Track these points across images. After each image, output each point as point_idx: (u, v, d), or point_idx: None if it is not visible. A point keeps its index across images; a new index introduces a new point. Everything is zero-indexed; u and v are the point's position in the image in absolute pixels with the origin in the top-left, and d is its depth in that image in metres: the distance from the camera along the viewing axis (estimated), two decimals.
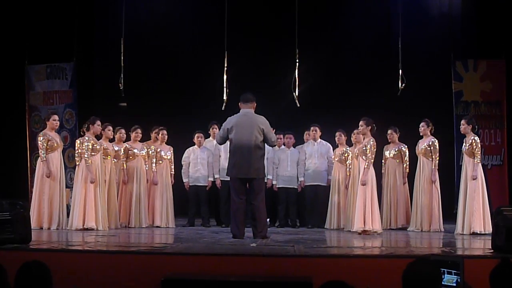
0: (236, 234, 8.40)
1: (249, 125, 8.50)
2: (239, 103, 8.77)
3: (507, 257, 3.61)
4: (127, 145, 10.80)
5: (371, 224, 9.24)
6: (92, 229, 9.40)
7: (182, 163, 11.43)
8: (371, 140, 9.48)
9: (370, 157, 9.39)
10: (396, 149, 10.86)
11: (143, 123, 11.29)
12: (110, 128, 10.47)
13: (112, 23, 12.93)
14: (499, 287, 3.60)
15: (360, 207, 9.29)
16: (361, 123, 9.64)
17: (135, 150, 10.81)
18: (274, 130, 9.23)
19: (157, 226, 10.84)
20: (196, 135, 11.40)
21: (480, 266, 5.49)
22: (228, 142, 8.79)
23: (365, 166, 9.35)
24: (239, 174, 8.52)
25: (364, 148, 9.46)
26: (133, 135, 10.88)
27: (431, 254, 4.52)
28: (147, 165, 10.93)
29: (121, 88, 11.58)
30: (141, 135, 10.99)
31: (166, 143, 11.29)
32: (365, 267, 6.00)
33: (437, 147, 10.25)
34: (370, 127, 9.58)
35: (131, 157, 10.79)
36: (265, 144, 8.70)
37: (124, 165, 10.73)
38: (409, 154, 10.85)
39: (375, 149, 9.50)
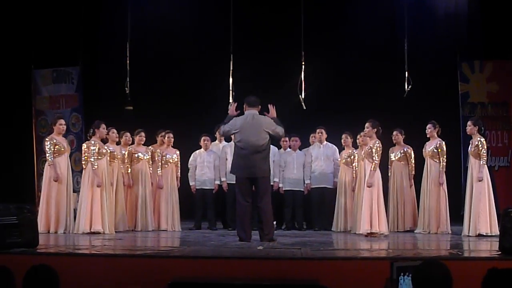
0: (243, 237, 8.39)
1: (255, 127, 8.53)
2: (244, 106, 8.80)
3: (495, 267, 3.61)
4: (131, 149, 10.80)
5: (377, 226, 9.23)
6: (99, 233, 9.41)
7: (189, 166, 11.43)
8: (377, 142, 9.47)
9: (376, 159, 9.38)
10: (402, 152, 10.84)
11: (149, 126, 11.30)
12: (114, 131, 10.48)
13: (117, 27, 12.95)
14: None
15: (367, 209, 9.27)
16: (367, 125, 9.63)
17: (139, 154, 10.80)
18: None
19: (163, 230, 10.84)
20: (203, 138, 11.40)
21: (487, 268, 5.47)
22: (233, 145, 8.82)
23: (372, 168, 9.35)
24: (245, 174, 8.52)
25: (370, 150, 9.45)
26: (137, 138, 10.88)
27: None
28: (151, 169, 10.92)
29: (127, 91, 11.61)
30: (144, 138, 10.99)
31: (172, 146, 11.28)
32: (372, 269, 5.99)
33: (445, 149, 10.23)
34: (376, 129, 9.57)
35: (135, 161, 10.79)
36: (274, 138, 8.78)
37: (128, 168, 10.73)
38: (414, 156, 10.83)
39: (381, 151, 9.50)
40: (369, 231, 9.23)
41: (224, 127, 8.90)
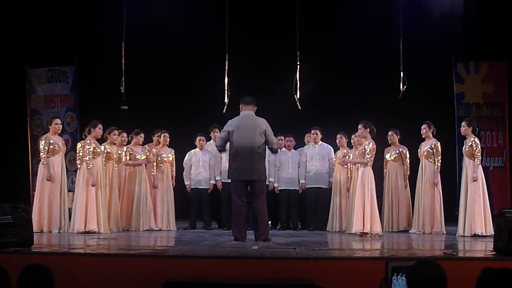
0: (238, 237, 8.39)
1: (251, 127, 8.51)
2: (240, 106, 8.79)
3: (489, 267, 3.62)
4: (128, 149, 10.76)
5: (370, 226, 9.26)
6: (94, 232, 9.41)
7: (184, 165, 11.42)
8: (370, 142, 9.50)
9: (368, 158, 9.41)
10: (397, 152, 10.86)
11: (145, 126, 11.28)
12: (116, 132, 10.48)
13: (112, 26, 12.95)
14: None
15: (359, 209, 9.30)
16: (359, 126, 9.68)
17: (136, 154, 10.77)
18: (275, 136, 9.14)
19: (159, 229, 10.82)
20: (198, 138, 11.39)
21: (481, 268, 5.48)
22: (229, 144, 8.79)
23: (362, 166, 9.40)
24: (241, 176, 8.52)
25: (364, 151, 9.47)
26: (136, 139, 10.82)
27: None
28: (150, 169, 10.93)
29: (122, 91, 11.59)
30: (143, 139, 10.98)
31: (167, 145, 11.26)
32: (367, 269, 6.00)
33: (439, 149, 10.25)
34: (369, 129, 9.61)
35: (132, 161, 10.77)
36: (267, 147, 8.71)
37: (128, 166, 10.71)
38: (409, 156, 10.85)
39: (374, 151, 9.52)
40: (361, 231, 9.25)
41: (218, 137, 8.94)
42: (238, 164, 8.52)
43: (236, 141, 8.53)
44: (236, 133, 8.54)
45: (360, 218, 9.28)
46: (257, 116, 8.70)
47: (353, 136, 10.66)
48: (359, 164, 9.60)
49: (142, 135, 10.88)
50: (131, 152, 10.74)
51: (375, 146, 9.55)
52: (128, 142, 10.88)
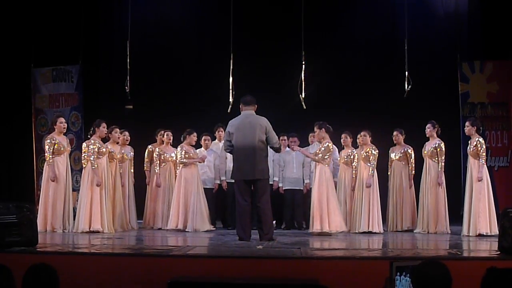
0: (242, 237, 8.39)
1: (252, 126, 8.50)
2: (240, 106, 8.80)
3: (494, 267, 3.62)
4: (184, 149, 10.72)
5: (327, 225, 9.34)
6: (98, 232, 9.43)
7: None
8: (326, 142, 9.61)
9: (321, 157, 9.53)
10: (402, 151, 10.85)
11: (149, 125, 11.30)
12: (117, 130, 10.50)
13: (117, 25, 12.97)
14: None
15: (317, 209, 9.44)
16: (315, 128, 9.86)
17: (166, 154, 10.84)
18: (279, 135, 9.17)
19: (159, 228, 10.82)
20: (203, 137, 11.37)
21: (486, 268, 5.47)
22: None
23: (319, 165, 9.56)
24: (244, 176, 8.52)
25: (319, 151, 9.60)
26: (190, 138, 10.69)
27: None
28: (157, 169, 10.98)
29: (127, 90, 11.60)
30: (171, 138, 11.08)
31: (171, 145, 11.26)
32: (371, 269, 5.99)
33: (443, 149, 10.23)
34: (324, 129, 9.71)
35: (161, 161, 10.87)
36: (269, 146, 8.69)
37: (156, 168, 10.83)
38: (414, 156, 10.83)
39: (329, 151, 9.63)
40: (320, 231, 9.35)
41: (224, 145, 8.96)
42: (240, 164, 8.53)
43: (237, 141, 8.53)
44: (236, 133, 8.54)
45: (318, 218, 9.37)
46: (258, 115, 8.69)
47: (358, 136, 10.65)
48: (317, 163, 9.70)
49: (195, 134, 10.83)
50: (186, 152, 10.66)
51: (330, 145, 9.67)
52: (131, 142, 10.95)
